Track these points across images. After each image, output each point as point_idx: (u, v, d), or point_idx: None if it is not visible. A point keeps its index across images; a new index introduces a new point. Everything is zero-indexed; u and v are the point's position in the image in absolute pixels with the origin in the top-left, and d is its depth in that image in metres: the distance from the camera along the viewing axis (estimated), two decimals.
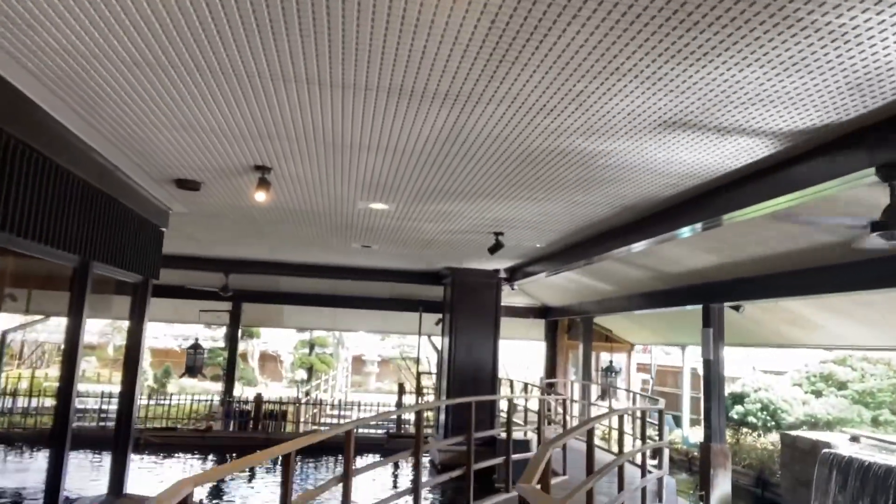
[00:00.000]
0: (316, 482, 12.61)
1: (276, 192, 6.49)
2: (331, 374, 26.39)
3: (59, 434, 5.41)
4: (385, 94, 3.92)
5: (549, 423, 13.39)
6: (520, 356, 23.33)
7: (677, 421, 16.45)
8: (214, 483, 11.45)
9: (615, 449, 11.62)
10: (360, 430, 15.56)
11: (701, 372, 17.15)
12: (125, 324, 7.33)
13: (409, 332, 17.02)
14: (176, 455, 13.61)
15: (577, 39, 3.08)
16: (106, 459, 6.92)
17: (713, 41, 3.02)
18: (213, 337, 24.18)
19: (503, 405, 11.62)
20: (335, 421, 18.39)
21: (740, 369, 16.96)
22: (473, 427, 7.16)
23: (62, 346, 5.53)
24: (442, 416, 13.15)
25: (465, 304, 12.77)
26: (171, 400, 16.32)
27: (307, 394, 20.46)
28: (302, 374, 26.28)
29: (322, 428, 15.34)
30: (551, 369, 17.20)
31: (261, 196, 5.72)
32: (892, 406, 13.51)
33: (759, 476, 12.77)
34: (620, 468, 5.60)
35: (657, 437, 8.28)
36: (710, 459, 8.92)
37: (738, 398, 14.89)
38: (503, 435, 8.26)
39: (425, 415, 9.90)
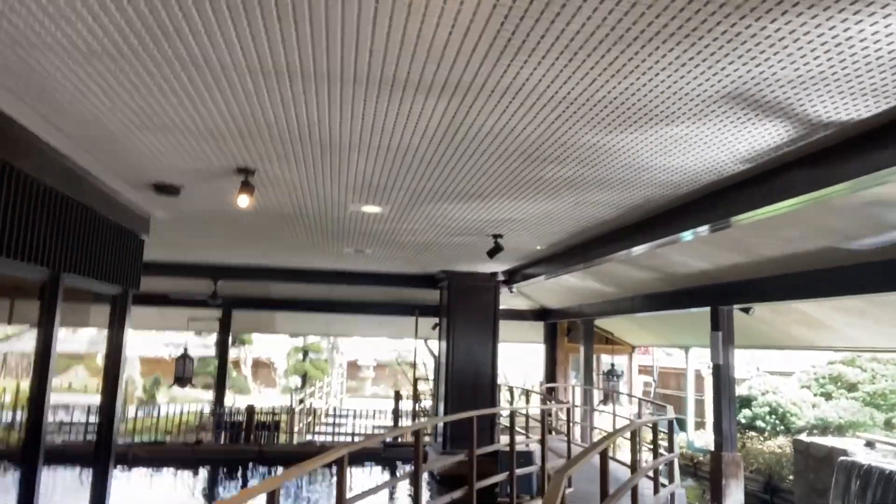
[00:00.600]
0: (310, 496, 12.23)
1: (260, 196, 6.09)
2: (325, 381, 25.96)
3: (30, 449, 5.10)
4: (376, 87, 3.52)
5: (552, 432, 13.01)
6: (518, 359, 22.94)
7: (681, 425, 16.08)
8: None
9: (620, 455, 11.26)
10: (356, 439, 15.16)
11: (705, 374, 16.91)
12: None
13: (404, 337, 16.65)
14: (166, 468, 13.19)
15: (593, 18, 2.70)
16: (89, 475, 6.62)
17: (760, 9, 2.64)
18: (204, 344, 23.67)
19: (504, 411, 11.24)
20: (330, 429, 17.96)
21: (745, 370, 16.65)
22: (476, 439, 6.76)
23: (32, 359, 5.24)
24: (440, 424, 12.74)
25: (462, 307, 12.34)
26: (159, 411, 15.89)
27: (301, 401, 20.02)
28: (296, 380, 25.83)
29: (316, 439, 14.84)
30: (551, 373, 16.81)
31: (244, 201, 5.31)
32: None
33: (767, 482, 12.40)
34: (634, 488, 5.20)
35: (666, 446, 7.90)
36: (721, 469, 8.51)
37: (746, 402, 14.53)
38: (505, 441, 7.83)
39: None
